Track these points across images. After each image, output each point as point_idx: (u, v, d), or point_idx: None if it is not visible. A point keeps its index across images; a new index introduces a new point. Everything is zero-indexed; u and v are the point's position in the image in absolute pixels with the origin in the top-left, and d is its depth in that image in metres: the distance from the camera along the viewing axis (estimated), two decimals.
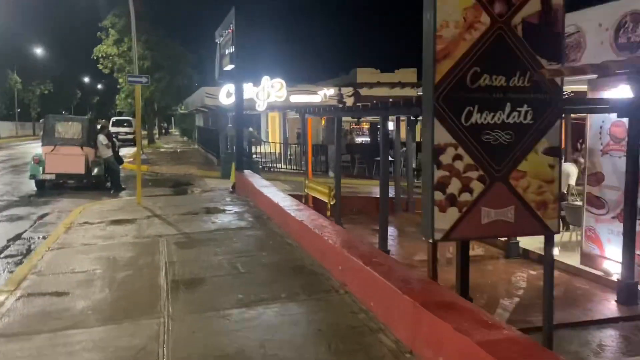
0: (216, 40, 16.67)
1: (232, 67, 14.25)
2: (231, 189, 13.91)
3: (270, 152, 23.88)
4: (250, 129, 21.71)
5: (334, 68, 34.81)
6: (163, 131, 60.01)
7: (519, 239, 9.77)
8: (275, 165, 22.77)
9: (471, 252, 5.70)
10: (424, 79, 4.52)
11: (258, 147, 22.78)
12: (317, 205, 12.62)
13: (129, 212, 10.05)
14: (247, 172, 13.68)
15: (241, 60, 13.41)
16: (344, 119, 22.32)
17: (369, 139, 30.68)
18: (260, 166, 19.27)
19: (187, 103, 33.39)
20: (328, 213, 11.99)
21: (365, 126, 32.08)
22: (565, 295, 7.87)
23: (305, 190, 13.99)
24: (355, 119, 27.04)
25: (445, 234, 4.46)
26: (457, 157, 4.39)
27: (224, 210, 10.18)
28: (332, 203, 11.98)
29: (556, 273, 9.26)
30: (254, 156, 19.97)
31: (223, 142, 21.52)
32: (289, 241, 7.25)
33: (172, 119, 69.02)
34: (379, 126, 32.16)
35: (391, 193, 14.07)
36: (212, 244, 7.25)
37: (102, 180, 15.09)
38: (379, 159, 23.64)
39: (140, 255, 6.81)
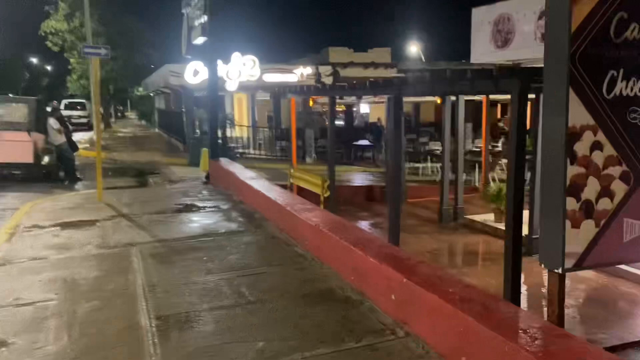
0: (182, 11, 14.80)
1: (204, 39, 12.50)
2: (205, 179, 12.27)
3: (238, 137, 22.15)
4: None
5: (305, 46, 33.12)
6: (119, 114, 57.00)
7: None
8: (245, 151, 21.09)
9: None
10: (550, 28, 3.06)
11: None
12: (304, 197, 11.11)
13: (89, 211, 8.31)
14: (224, 160, 12.05)
15: (215, 31, 11.66)
16: (319, 100, 20.83)
17: (343, 123, 29.24)
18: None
19: (146, 84, 31.13)
20: (321, 206, 10.51)
21: (338, 108, 30.54)
22: (615, 304, 6.69)
23: (291, 181, 12.46)
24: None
25: (578, 260, 3.04)
26: (596, 145, 2.99)
27: (204, 208, 8.55)
28: (325, 195, 10.49)
29: (594, 275, 8.12)
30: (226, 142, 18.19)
31: (190, 126, 19.66)
32: (300, 251, 5.74)
33: (128, 101, 65.85)
34: (354, 109, 30.92)
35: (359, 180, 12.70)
36: (200, 256, 5.67)
37: (53, 171, 13.15)
38: (358, 143, 22.53)
39: (108, 274, 5.18)
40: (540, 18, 8.89)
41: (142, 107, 43.48)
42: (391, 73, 30.49)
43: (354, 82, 10.25)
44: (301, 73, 19.75)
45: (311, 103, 16.82)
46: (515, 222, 5.46)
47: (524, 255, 9.17)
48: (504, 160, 19.22)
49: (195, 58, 16.21)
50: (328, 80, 19.72)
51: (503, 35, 9.83)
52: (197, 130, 19.17)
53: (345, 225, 5.42)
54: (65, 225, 7.32)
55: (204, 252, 5.81)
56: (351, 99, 24.84)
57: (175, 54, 27.38)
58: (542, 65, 3.02)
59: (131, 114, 66.91)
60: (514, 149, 5.52)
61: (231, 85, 18.61)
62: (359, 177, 17.92)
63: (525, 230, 9.77)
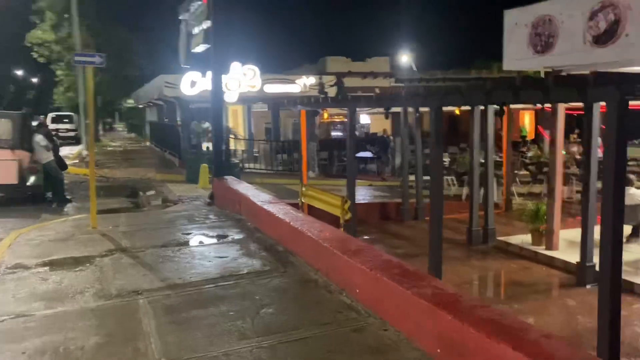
0: (180, 17, 13.78)
1: (206, 47, 11.47)
2: (208, 200, 11.15)
3: (233, 150, 21.00)
4: (227, 124, 18.85)
5: (302, 56, 32.18)
6: (107, 127, 55.60)
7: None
8: (243, 165, 19.97)
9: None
10: None
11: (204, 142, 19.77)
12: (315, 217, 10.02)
13: (83, 244, 7.17)
14: (230, 179, 10.95)
15: (219, 37, 10.60)
16: (332, 111, 19.82)
17: (341, 134, 28.20)
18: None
19: (137, 96, 29.93)
20: (341, 230, 9.43)
21: (336, 119, 29.51)
22: None
23: (302, 200, 11.36)
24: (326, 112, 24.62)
25: None
26: None
27: (215, 237, 7.45)
28: (346, 218, 9.40)
29: None
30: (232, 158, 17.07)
31: (186, 140, 18.52)
32: (347, 301, 4.65)
33: (117, 113, 64.46)
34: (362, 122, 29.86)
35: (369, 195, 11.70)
36: (226, 311, 4.56)
37: (40, 192, 11.96)
38: (360, 155, 21.50)
39: (112, 341, 4.05)
40: (591, 18, 7.93)
41: (132, 120, 42.20)
42: (390, 83, 29.64)
43: (378, 91, 9.27)
44: (304, 83, 18.72)
45: (326, 116, 15.77)
46: (614, 271, 4.41)
47: (575, 286, 8.17)
48: (521, 172, 18.32)
49: (194, 68, 15.16)
50: (332, 91, 18.69)
51: (543, 39, 8.86)
52: (197, 144, 18.03)
53: (407, 270, 4.34)
54: (55, 265, 6.17)
55: (229, 304, 4.70)
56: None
57: (169, 65, 26.26)
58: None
59: (119, 127, 65.50)
60: (611, 171, 4.49)
61: (231, 97, 17.52)
62: (367, 193, 16.84)
63: (572, 256, 8.78)
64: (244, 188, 9.51)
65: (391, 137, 20.25)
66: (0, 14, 30.71)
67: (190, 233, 7.78)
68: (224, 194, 10.37)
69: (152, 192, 13.73)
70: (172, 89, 17.44)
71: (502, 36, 9.84)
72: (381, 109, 19.57)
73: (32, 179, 11.86)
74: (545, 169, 16.68)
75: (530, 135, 29.33)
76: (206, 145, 19.45)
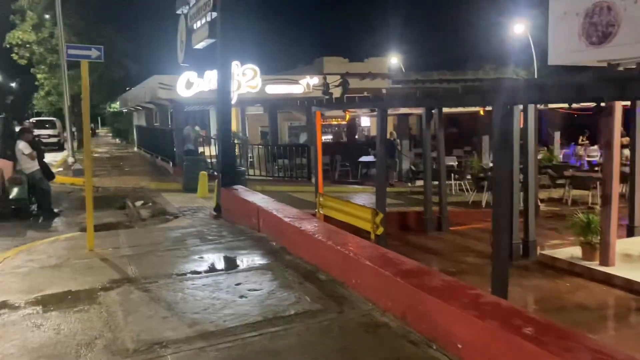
0: (178, 12, 12.60)
1: (211, 41, 10.33)
2: (214, 212, 10.01)
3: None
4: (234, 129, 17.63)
5: (298, 56, 31.03)
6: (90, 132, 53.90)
7: None
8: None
9: None
10: None
11: (204, 147, 18.55)
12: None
13: (80, 272, 5.97)
14: (239, 188, 9.80)
15: (226, 30, 9.44)
16: (327, 113, 18.71)
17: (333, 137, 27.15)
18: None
19: (124, 99, 28.53)
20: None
21: (333, 122, 28.43)
22: None
23: (320, 211, 10.26)
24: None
25: None
26: None
27: (238, 262, 6.29)
28: (378, 233, 8.31)
29: None
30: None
31: (180, 145, 17.27)
32: (442, 358, 3.55)
33: (99, 118, 62.69)
34: (356, 122, 28.76)
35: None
36: None
37: (24, 205, 10.71)
38: (365, 159, 20.41)
39: None
40: None
41: (119, 124, 40.69)
42: (389, 84, 28.71)
43: (384, 92, 8.18)
44: (307, 83, 17.60)
45: (347, 117, 14.68)
46: None
47: None
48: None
49: (192, 67, 13.97)
50: (337, 92, 17.59)
51: (600, 29, 7.85)
52: (191, 149, 16.80)
53: (537, 321, 3.25)
54: (50, 303, 4.97)
55: None
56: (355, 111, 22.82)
57: (157, 65, 24.98)
58: None
59: (102, 131, 63.74)
60: None
61: (231, 98, 16.31)
62: (368, 198, 15.75)
63: (633, 273, 7.79)
64: (262, 200, 8.37)
65: (397, 140, 19.20)
66: None
67: (207, 256, 6.61)
68: (235, 206, 9.22)
69: (148, 204, 12.50)
70: (167, 91, 16.21)
71: (546, 27, 8.84)
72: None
73: (15, 192, 10.61)
74: (565, 172, 15.80)
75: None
76: (200, 151, 18.26)
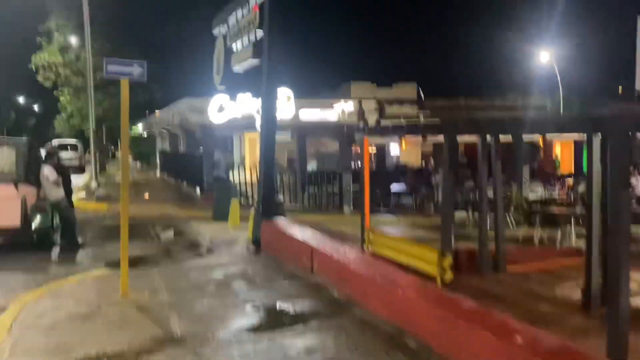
0: (214, 32, 11.88)
1: (254, 63, 9.52)
2: (254, 246, 9.08)
3: (250, 182, 18.89)
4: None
5: (323, 81, 30.35)
6: (110, 155, 53.64)
7: None
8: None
9: None
10: None
11: (230, 173, 17.73)
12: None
13: (116, 326, 5.04)
14: (281, 221, 8.88)
15: (274, 49, 8.64)
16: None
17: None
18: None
19: (149, 122, 27.95)
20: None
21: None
22: None
23: (370, 248, 9.25)
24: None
25: None
26: None
27: (301, 319, 5.29)
28: (446, 280, 7.28)
29: None
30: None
31: (209, 172, 16.45)
32: None
33: (119, 141, 62.68)
34: (386, 150, 27.84)
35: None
36: None
37: (48, 236, 9.83)
38: (396, 188, 19.42)
39: None
40: None
41: (142, 148, 40.23)
42: (418, 112, 27.76)
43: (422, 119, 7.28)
44: (342, 109, 16.79)
45: (403, 145, 13.72)
46: None
47: None
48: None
49: (227, 90, 13.21)
50: (373, 117, 16.74)
51: None
52: (222, 176, 15.99)
53: None
54: None
55: None
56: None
57: (186, 89, 24.37)
58: None
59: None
60: None
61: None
62: (418, 234, 14.69)
63: None
64: (313, 237, 7.42)
65: (431, 169, 18.23)
66: (2, 39, 28.91)
67: (261, 308, 5.63)
68: (278, 241, 8.30)
69: (178, 234, 11.63)
70: (198, 115, 15.46)
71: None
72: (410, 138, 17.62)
73: (38, 220, 9.73)
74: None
75: (564, 167, 27.36)
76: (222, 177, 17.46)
